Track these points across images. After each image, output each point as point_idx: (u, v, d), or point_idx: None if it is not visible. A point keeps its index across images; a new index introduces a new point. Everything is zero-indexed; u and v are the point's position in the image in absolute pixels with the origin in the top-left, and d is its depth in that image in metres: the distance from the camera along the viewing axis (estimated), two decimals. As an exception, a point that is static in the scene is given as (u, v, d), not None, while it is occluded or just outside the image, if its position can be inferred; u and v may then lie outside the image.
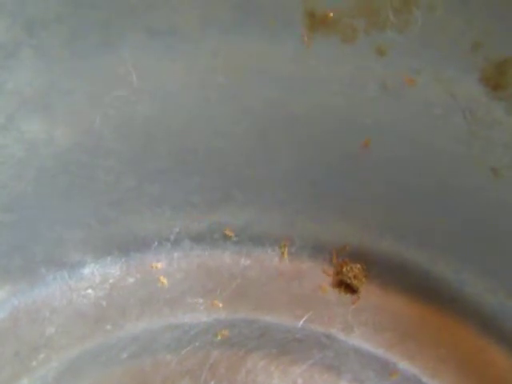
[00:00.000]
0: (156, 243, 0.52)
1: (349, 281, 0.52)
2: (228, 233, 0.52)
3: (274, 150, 0.49)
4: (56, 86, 0.44)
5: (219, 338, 0.49)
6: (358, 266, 0.52)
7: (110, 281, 0.51)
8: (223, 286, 0.52)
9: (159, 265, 0.52)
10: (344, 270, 0.52)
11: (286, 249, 0.53)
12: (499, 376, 0.48)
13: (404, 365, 0.49)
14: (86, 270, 0.51)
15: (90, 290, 0.50)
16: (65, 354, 0.47)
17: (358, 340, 0.50)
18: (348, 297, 0.52)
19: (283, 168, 0.50)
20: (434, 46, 0.42)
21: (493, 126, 0.44)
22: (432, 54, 0.43)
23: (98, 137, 0.47)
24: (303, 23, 0.43)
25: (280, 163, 0.50)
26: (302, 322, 0.50)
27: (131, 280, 0.51)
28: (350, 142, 0.48)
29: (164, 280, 0.52)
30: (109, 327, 0.49)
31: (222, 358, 0.48)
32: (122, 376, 0.47)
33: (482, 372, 0.48)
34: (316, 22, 0.43)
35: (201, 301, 0.51)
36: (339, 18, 0.43)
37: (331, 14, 0.42)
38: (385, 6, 0.41)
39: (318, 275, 0.52)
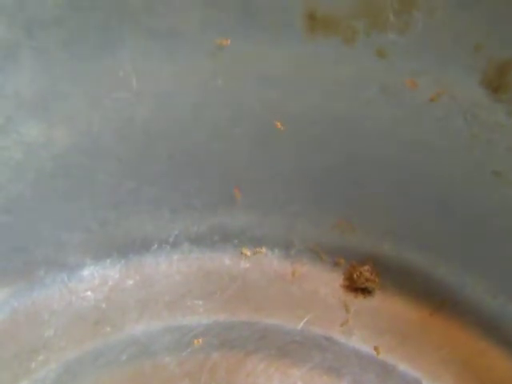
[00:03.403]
0: (155, 245, 0.52)
1: (363, 286, 0.51)
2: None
3: (273, 152, 0.49)
4: (55, 88, 0.44)
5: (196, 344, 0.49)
6: (367, 267, 0.52)
7: (110, 283, 0.51)
8: (223, 288, 0.52)
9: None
10: (354, 276, 0.51)
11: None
12: (500, 379, 0.48)
13: (404, 367, 0.48)
14: (86, 272, 0.51)
15: (89, 292, 0.50)
16: (64, 356, 0.47)
17: (358, 342, 0.49)
18: (348, 299, 0.51)
19: (283, 170, 0.50)
20: (434, 48, 0.42)
21: (494, 129, 0.43)
22: (433, 56, 0.42)
23: (98, 139, 0.47)
24: (303, 25, 0.43)
25: (280, 165, 0.49)
26: (301, 325, 0.50)
27: (130, 282, 0.51)
28: (350, 144, 0.47)
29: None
30: (108, 329, 0.49)
31: (222, 360, 0.48)
32: (121, 378, 0.47)
33: (483, 375, 0.48)
34: (316, 24, 0.43)
35: (200, 303, 0.51)
36: (339, 20, 0.42)
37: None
38: (385, 7, 0.41)
39: (317, 278, 0.52)
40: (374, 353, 0.49)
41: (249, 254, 0.53)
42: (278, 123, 0.47)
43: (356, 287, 0.52)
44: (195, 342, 0.48)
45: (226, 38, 0.44)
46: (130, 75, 0.45)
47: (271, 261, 0.53)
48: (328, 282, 0.52)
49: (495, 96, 0.42)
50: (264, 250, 0.53)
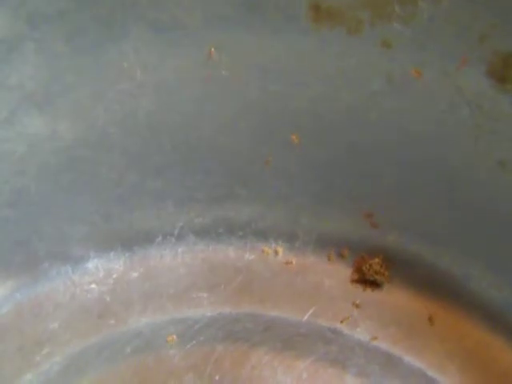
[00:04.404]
0: (160, 238, 0.52)
1: (372, 278, 0.51)
2: None
3: (277, 145, 0.49)
4: (59, 81, 0.44)
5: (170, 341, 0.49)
6: (377, 260, 0.51)
7: (114, 275, 0.51)
8: (227, 280, 0.51)
9: None
10: (364, 268, 0.51)
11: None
12: (504, 371, 0.48)
13: (409, 359, 0.48)
14: (90, 265, 0.51)
15: (93, 285, 0.50)
16: (68, 348, 0.47)
17: (363, 334, 0.49)
18: (352, 291, 0.51)
19: (287, 163, 0.50)
20: (440, 39, 0.42)
21: (499, 120, 0.43)
22: (438, 47, 0.42)
23: (101, 132, 0.47)
24: (308, 16, 0.43)
25: (283, 158, 0.49)
26: (306, 317, 0.50)
27: (135, 275, 0.51)
28: (354, 136, 0.47)
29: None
30: (112, 322, 0.49)
31: (227, 352, 0.48)
32: (125, 371, 0.47)
33: (488, 367, 0.48)
34: (321, 15, 0.43)
35: (205, 295, 0.51)
36: (344, 11, 0.42)
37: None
38: (390, -3, 0.41)
39: (322, 270, 0.52)
40: (380, 345, 0.49)
41: (270, 251, 0.53)
42: (294, 137, 0.47)
43: (365, 280, 0.51)
44: (169, 339, 0.49)
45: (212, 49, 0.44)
46: (134, 68, 0.45)
47: (276, 253, 0.53)
48: (333, 274, 0.52)
49: (500, 86, 0.42)
50: (283, 247, 0.53)
